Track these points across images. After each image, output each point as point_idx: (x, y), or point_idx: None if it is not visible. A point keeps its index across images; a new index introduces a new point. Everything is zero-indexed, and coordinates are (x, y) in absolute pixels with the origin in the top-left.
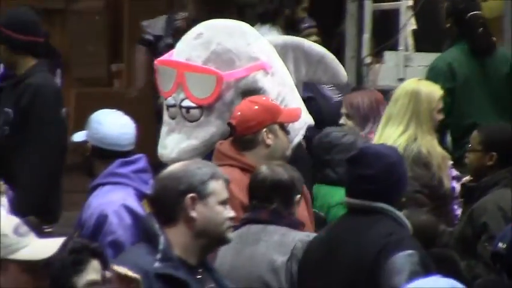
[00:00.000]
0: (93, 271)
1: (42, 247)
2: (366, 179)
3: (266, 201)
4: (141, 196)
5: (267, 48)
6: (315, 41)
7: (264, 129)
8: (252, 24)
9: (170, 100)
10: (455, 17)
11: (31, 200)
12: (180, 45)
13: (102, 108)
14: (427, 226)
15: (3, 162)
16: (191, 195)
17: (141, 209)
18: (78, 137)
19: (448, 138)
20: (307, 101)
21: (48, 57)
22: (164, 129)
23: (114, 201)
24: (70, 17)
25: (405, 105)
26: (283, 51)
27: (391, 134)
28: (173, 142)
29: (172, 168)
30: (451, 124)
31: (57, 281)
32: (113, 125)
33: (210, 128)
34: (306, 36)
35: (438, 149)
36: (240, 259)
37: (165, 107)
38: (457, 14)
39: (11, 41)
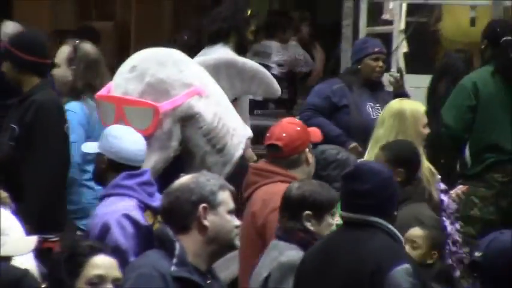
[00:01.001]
0: (94, 267)
1: (21, 243)
2: (361, 194)
3: (281, 217)
4: (144, 207)
5: (199, 72)
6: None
7: (307, 149)
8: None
9: None
10: (490, 39)
11: (37, 211)
12: (116, 79)
13: None
14: None
15: (10, 175)
16: (203, 205)
17: (143, 219)
18: (90, 148)
19: (467, 153)
20: (340, 108)
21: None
22: None
23: (117, 211)
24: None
25: (391, 125)
26: (215, 70)
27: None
28: None
29: (183, 180)
30: (471, 140)
31: (57, 283)
32: (129, 141)
33: (152, 156)
34: (376, 60)
35: (426, 164)
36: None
37: None
38: (493, 37)
39: (17, 60)
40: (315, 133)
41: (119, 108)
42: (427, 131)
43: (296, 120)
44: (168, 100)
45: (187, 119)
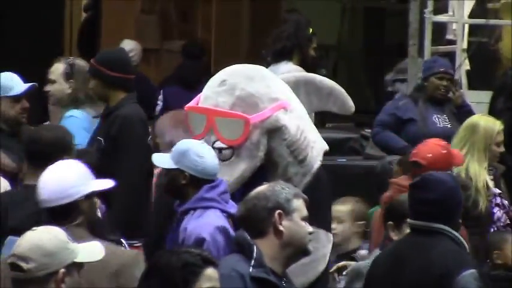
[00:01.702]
0: (206, 280)
1: (92, 250)
2: (428, 202)
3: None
4: (227, 216)
5: (283, 87)
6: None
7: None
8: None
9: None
10: None
11: (123, 219)
12: (205, 92)
13: None
14: None
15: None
16: (278, 211)
17: (231, 228)
18: (166, 163)
19: None
20: (406, 121)
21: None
22: None
23: (209, 223)
24: (164, 56)
25: (463, 137)
26: (295, 86)
27: None
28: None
29: (259, 189)
30: None
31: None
32: (211, 157)
33: (241, 166)
34: (441, 79)
35: (482, 177)
36: None
37: None
38: None
39: (103, 77)
40: (459, 157)
41: (210, 119)
42: (501, 149)
43: (443, 142)
44: (257, 113)
45: (274, 131)
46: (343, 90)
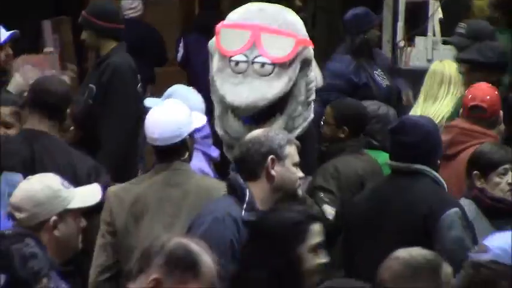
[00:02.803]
0: (315, 236)
1: (88, 195)
2: (407, 145)
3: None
4: (208, 159)
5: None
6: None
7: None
8: None
9: (240, 57)
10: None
11: (114, 162)
12: (244, 15)
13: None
14: None
15: (89, 130)
16: (271, 156)
17: (211, 170)
18: (152, 104)
19: None
20: (363, 86)
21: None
22: (230, 80)
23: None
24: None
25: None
26: None
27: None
28: (247, 90)
29: (254, 134)
30: None
31: (286, 252)
32: (196, 100)
33: (280, 83)
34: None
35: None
36: None
37: (230, 63)
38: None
39: (95, 28)
40: None
41: (255, 35)
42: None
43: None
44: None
45: (305, 63)
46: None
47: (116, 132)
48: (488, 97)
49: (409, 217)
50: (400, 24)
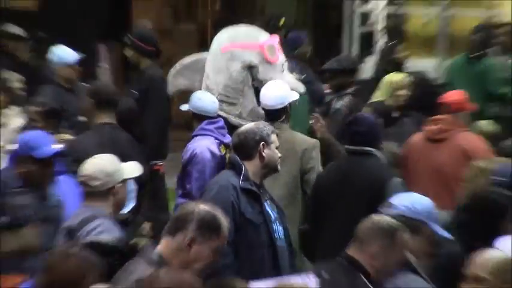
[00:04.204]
0: None
1: (133, 169)
2: (360, 133)
3: None
4: (219, 143)
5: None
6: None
7: None
8: None
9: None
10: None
11: (153, 145)
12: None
13: None
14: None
15: (136, 123)
16: (262, 142)
17: (218, 151)
18: (184, 107)
19: None
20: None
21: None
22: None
23: (202, 145)
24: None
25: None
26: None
27: None
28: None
29: (248, 126)
30: None
31: None
32: (207, 100)
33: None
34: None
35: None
36: None
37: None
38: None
39: (137, 48)
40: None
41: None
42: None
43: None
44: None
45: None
46: None
47: (153, 125)
48: (454, 98)
49: (363, 185)
50: (355, 47)
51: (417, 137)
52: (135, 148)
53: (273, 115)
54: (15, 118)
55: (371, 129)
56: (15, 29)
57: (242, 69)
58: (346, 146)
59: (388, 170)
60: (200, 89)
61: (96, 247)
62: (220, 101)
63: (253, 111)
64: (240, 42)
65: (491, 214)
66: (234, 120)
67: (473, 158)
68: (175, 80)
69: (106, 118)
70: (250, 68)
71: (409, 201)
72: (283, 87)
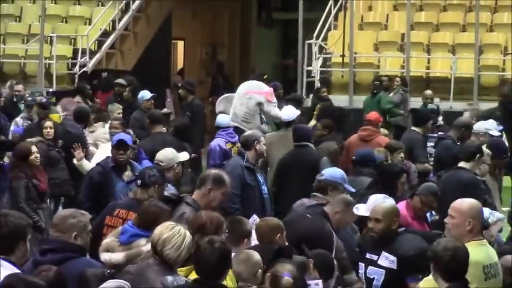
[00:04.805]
0: None
1: (183, 155)
2: (302, 135)
3: None
4: (226, 141)
5: None
6: None
7: None
8: None
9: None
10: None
11: (197, 141)
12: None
13: None
14: None
15: (186, 135)
16: (256, 141)
17: (224, 146)
18: (217, 122)
19: None
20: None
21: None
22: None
23: (215, 142)
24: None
25: None
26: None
27: None
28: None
29: (249, 132)
30: None
31: None
32: (222, 118)
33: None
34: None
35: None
36: None
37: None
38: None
39: (187, 89)
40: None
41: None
42: None
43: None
44: None
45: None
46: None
47: (198, 133)
48: (374, 116)
49: (306, 164)
50: (304, 90)
51: (353, 138)
52: (177, 145)
53: (288, 124)
54: (100, 128)
55: (307, 133)
56: (120, 80)
57: (255, 105)
58: (295, 143)
59: (319, 154)
60: (230, 113)
61: (167, 199)
62: (242, 121)
63: (259, 127)
64: (254, 90)
65: (390, 177)
66: (248, 130)
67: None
68: (218, 107)
69: (158, 129)
70: (259, 104)
71: (331, 171)
72: (292, 111)
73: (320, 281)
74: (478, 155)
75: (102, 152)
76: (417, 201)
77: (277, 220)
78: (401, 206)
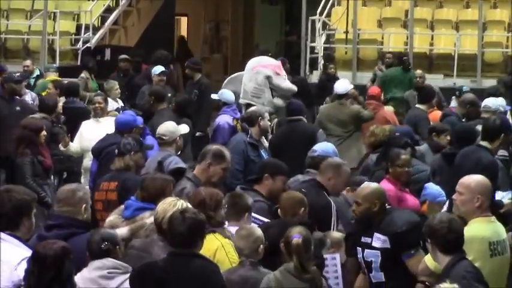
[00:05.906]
0: None
1: (185, 128)
2: (295, 110)
3: None
4: (233, 118)
5: None
6: None
7: None
8: None
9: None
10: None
11: (203, 122)
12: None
13: None
14: None
15: (190, 113)
16: (260, 117)
17: (232, 123)
18: (214, 96)
19: None
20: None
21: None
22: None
23: (222, 118)
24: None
25: None
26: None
27: None
28: None
29: (253, 108)
30: None
31: None
32: (226, 93)
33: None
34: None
35: None
36: None
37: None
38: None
39: (193, 69)
40: None
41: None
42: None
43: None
44: None
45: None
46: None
47: (205, 112)
48: (377, 91)
49: (302, 137)
50: (307, 66)
51: None
52: (180, 119)
53: (341, 96)
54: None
55: (300, 107)
56: (124, 56)
57: (263, 79)
58: (288, 118)
59: (316, 128)
60: (240, 91)
61: (175, 171)
62: (252, 96)
63: (270, 102)
64: (261, 64)
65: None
66: (258, 106)
67: (391, 122)
68: (226, 86)
69: (161, 106)
70: (268, 78)
71: (323, 146)
72: (346, 83)
73: (337, 255)
74: (502, 134)
75: (86, 130)
76: (395, 172)
77: (301, 194)
78: (384, 183)
